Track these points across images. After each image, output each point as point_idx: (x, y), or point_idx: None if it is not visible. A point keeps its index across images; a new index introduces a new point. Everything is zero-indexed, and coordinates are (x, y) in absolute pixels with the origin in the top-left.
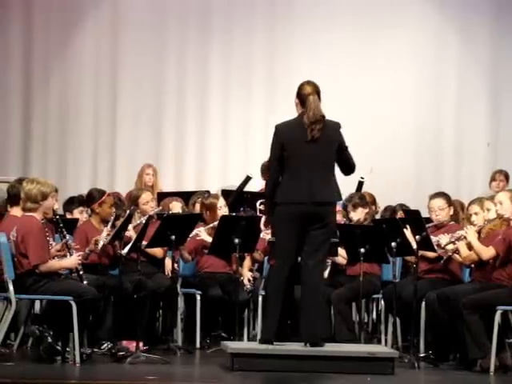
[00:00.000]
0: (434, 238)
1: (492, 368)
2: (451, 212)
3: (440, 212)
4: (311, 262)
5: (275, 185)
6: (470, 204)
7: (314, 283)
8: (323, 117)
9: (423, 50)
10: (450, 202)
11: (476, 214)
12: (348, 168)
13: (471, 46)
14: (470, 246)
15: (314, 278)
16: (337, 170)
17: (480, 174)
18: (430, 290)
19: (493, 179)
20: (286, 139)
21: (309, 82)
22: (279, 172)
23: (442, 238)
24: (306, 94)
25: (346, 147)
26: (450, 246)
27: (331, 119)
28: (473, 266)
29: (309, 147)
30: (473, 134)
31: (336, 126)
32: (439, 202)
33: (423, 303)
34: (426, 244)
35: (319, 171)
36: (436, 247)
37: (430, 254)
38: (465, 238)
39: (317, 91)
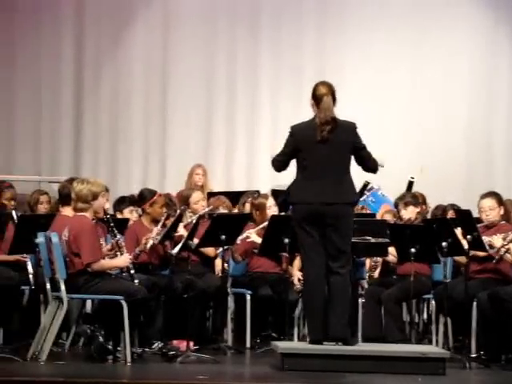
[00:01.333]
0: (486, 239)
1: None
2: (502, 212)
3: (490, 212)
4: (335, 265)
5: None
6: None
7: (341, 285)
8: (333, 118)
9: (477, 46)
10: (500, 201)
11: None
12: (367, 167)
13: None
14: None
15: (340, 281)
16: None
17: None
18: (481, 290)
19: None
20: (300, 141)
21: (323, 83)
22: (284, 166)
23: (495, 239)
24: (321, 95)
25: (363, 146)
26: (503, 247)
27: (346, 120)
28: None
29: (320, 148)
30: None
31: (351, 127)
32: (489, 202)
33: (474, 303)
34: (477, 244)
35: (331, 172)
36: (488, 247)
37: (481, 253)
38: None
39: (331, 92)
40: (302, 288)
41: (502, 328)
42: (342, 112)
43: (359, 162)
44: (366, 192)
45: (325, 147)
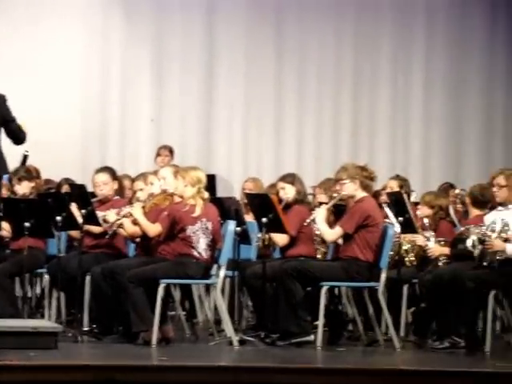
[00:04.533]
0: (100, 213)
1: (154, 340)
2: (116, 187)
3: (104, 186)
4: None
5: None
6: (134, 180)
7: None
8: None
9: (91, 25)
10: (114, 176)
11: (141, 189)
12: (17, 138)
13: (135, 25)
14: (135, 221)
15: None
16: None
17: (145, 149)
18: (95, 265)
19: (158, 154)
20: None
21: None
22: None
23: (109, 214)
24: None
25: (13, 119)
26: (117, 222)
27: None
28: (138, 240)
29: None
30: (137, 111)
31: (1, 99)
32: (103, 177)
33: (88, 277)
34: (90, 218)
35: None
36: (102, 222)
37: (96, 229)
38: (131, 214)
39: None
40: None
41: (114, 301)
42: None
43: (8, 134)
44: None
45: None
